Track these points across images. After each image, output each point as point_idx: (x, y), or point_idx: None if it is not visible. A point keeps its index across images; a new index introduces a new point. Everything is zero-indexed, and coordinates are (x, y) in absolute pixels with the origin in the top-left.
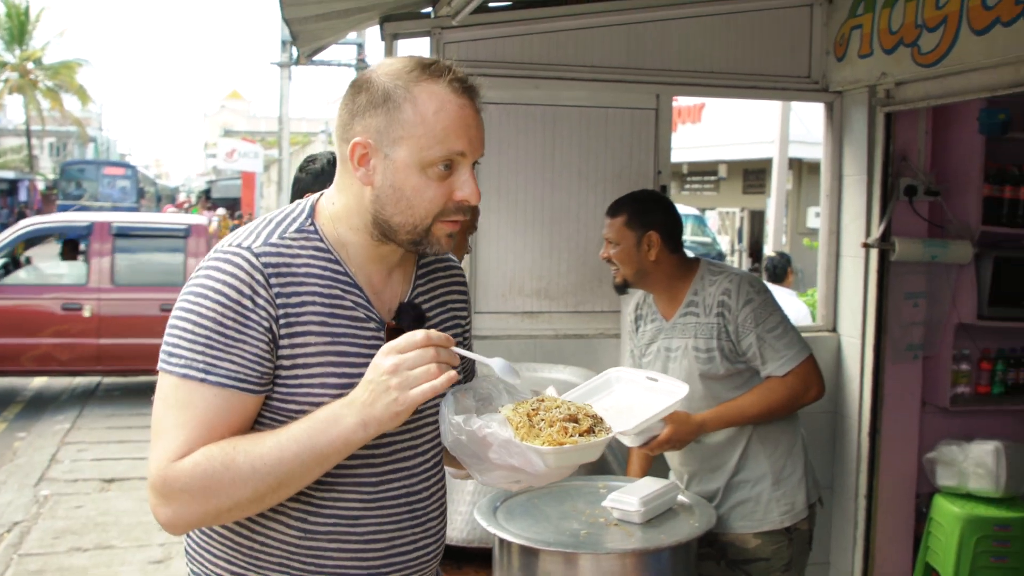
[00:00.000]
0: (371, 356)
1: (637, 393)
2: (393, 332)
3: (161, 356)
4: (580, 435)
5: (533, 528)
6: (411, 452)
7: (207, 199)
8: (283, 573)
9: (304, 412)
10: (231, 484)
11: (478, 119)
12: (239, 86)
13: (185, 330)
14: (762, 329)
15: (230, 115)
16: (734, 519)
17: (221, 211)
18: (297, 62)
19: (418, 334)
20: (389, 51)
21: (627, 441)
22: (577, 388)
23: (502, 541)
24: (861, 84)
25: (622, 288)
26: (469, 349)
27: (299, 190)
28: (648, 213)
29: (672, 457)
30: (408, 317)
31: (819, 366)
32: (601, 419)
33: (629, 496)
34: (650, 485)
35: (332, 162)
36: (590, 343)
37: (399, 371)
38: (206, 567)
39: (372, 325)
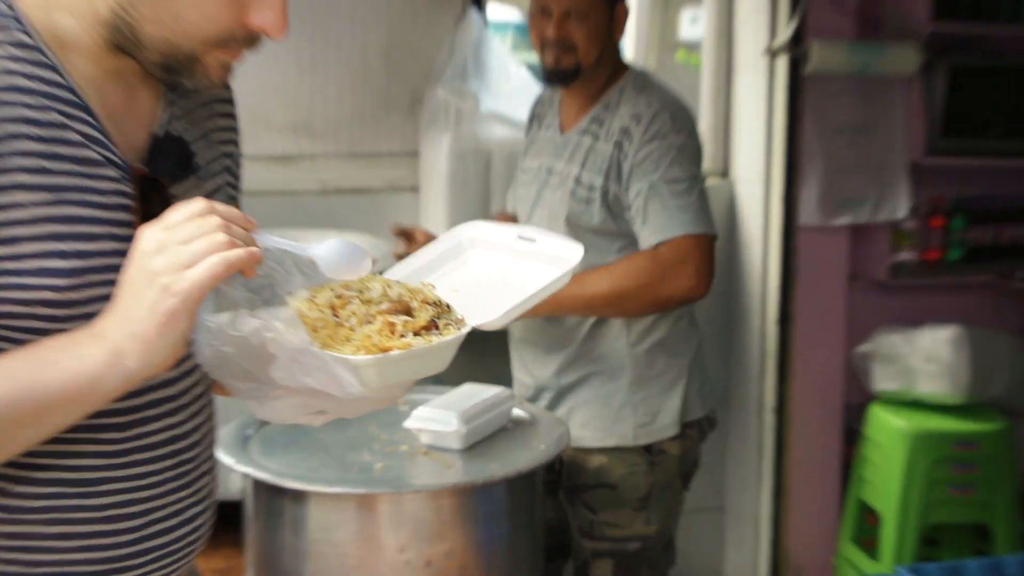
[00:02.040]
0: (114, 224)
1: (504, 262)
2: (146, 183)
3: None
4: (415, 334)
5: (305, 463)
6: (176, 374)
7: None
8: None
9: (11, 318)
10: None
11: None
12: None
13: None
14: (659, 177)
15: None
16: (572, 426)
17: None
18: None
19: (195, 204)
20: None
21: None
22: (410, 260)
23: (258, 484)
24: None
25: (568, 77)
26: (239, 207)
27: None
28: None
29: None
30: (167, 159)
31: (713, 259)
32: (448, 307)
33: (442, 412)
34: (471, 395)
35: None
36: (376, 200)
37: (166, 248)
38: None
39: (111, 172)
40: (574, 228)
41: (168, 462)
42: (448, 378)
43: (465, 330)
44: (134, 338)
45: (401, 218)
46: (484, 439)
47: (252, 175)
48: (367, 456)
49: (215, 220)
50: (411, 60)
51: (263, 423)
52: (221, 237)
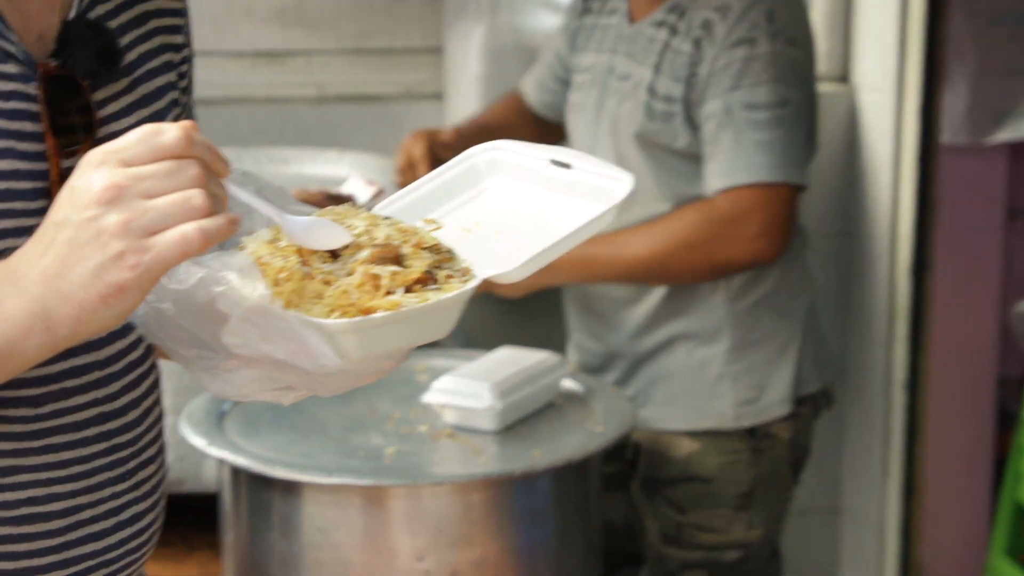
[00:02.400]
0: (14, 136)
1: (532, 194)
2: (56, 83)
3: None
4: (407, 290)
5: (297, 447)
6: (104, 336)
7: None
8: None
9: None
10: None
11: None
12: None
13: None
14: (738, 99)
15: None
16: (651, 405)
17: None
18: None
19: (167, 127)
20: None
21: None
22: (409, 189)
23: (237, 473)
24: None
25: None
26: (191, 118)
27: None
28: None
29: None
30: (85, 52)
31: (791, 216)
32: (450, 253)
33: (471, 384)
34: (508, 363)
35: None
36: (388, 110)
37: (125, 198)
38: None
39: (10, 68)
40: (650, 148)
41: (97, 446)
42: (480, 340)
43: (472, 284)
44: (66, 301)
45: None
46: (525, 418)
47: (229, 77)
48: (376, 439)
49: (194, 170)
50: None
51: None
52: (199, 199)
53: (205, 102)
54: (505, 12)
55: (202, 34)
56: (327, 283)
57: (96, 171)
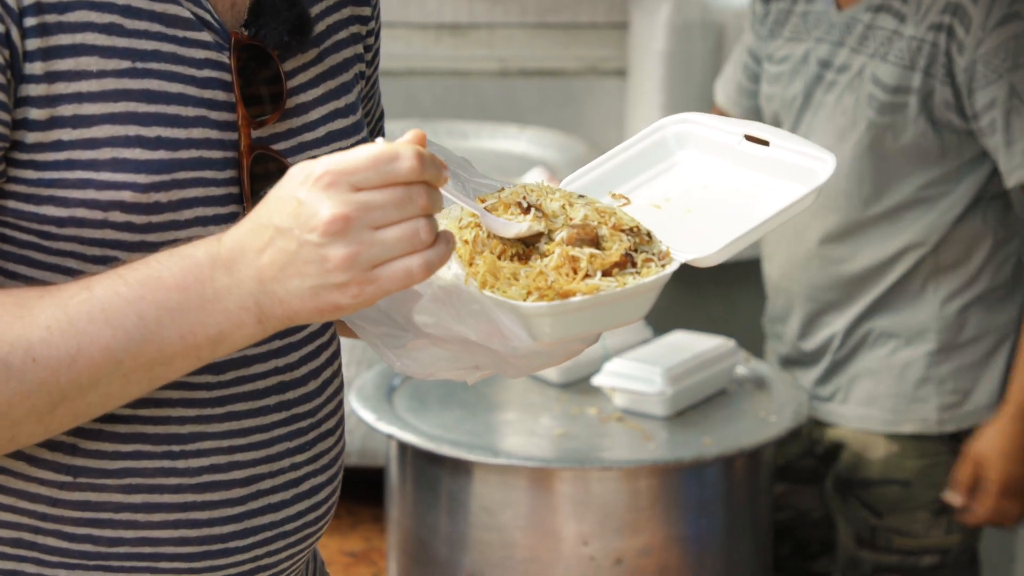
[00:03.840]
0: (208, 105)
1: (725, 171)
2: (247, 54)
3: None
4: (604, 273)
5: (465, 425)
6: None
7: None
8: (18, 561)
9: (79, 227)
10: None
11: None
12: None
13: None
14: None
15: None
16: (851, 404)
17: None
18: None
19: (403, 151)
20: None
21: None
22: (597, 163)
23: (404, 449)
24: None
25: None
26: (375, 101)
27: None
28: None
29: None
30: (276, 24)
31: None
32: (649, 235)
33: (643, 367)
34: (681, 347)
35: None
36: (571, 86)
37: (353, 231)
38: None
39: (206, 36)
40: (871, 145)
41: (277, 416)
42: (655, 321)
43: (671, 268)
44: (280, 304)
45: (603, 109)
46: (696, 404)
47: (411, 49)
48: (545, 419)
49: (423, 199)
50: None
51: None
52: (426, 233)
53: (388, 73)
54: None
55: (388, 4)
56: (523, 263)
57: (326, 193)
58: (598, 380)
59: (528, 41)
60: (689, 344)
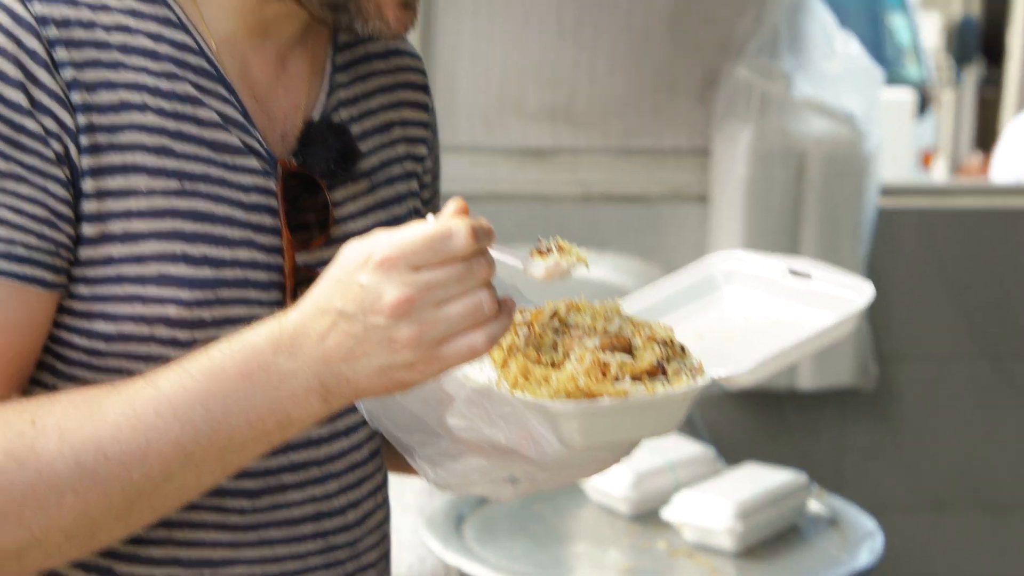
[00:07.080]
0: (254, 229)
1: (768, 303)
2: (295, 181)
3: None
4: (635, 379)
5: (532, 557)
6: (325, 433)
7: None
8: None
9: (126, 343)
10: (35, 495)
11: None
12: None
13: None
14: None
15: None
16: None
17: None
18: None
19: (455, 228)
20: None
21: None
22: (643, 294)
23: None
24: None
25: None
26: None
27: None
28: None
29: None
30: (324, 153)
31: None
32: (682, 348)
33: (712, 500)
34: (753, 480)
35: None
36: (652, 211)
37: (417, 311)
38: None
39: (253, 163)
40: None
41: (312, 544)
42: (726, 450)
43: (702, 381)
44: (347, 384)
45: (684, 235)
46: (767, 540)
47: (495, 173)
48: (613, 552)
49: (483, 272)
50: (705, 28)
51: (482, 501)
52: (488, 306)
53: (472, 197)
54: (774, 115)
55: (473, 130)
56: (555, 365)
57: (387, 276)
58: (667, 513)
59: (610, 166)
60: (760, 477)
